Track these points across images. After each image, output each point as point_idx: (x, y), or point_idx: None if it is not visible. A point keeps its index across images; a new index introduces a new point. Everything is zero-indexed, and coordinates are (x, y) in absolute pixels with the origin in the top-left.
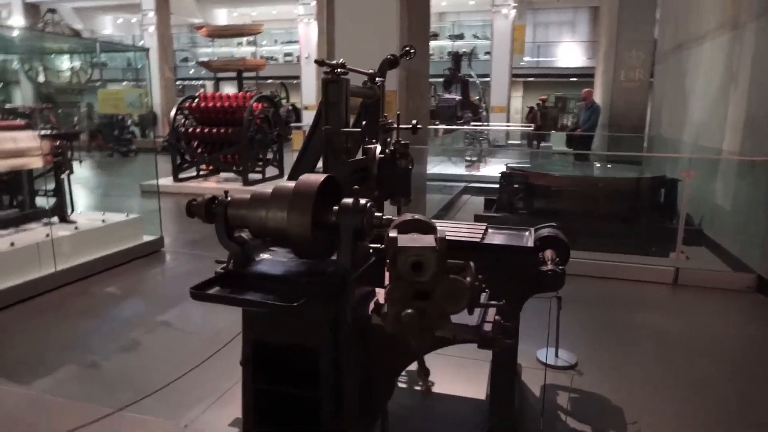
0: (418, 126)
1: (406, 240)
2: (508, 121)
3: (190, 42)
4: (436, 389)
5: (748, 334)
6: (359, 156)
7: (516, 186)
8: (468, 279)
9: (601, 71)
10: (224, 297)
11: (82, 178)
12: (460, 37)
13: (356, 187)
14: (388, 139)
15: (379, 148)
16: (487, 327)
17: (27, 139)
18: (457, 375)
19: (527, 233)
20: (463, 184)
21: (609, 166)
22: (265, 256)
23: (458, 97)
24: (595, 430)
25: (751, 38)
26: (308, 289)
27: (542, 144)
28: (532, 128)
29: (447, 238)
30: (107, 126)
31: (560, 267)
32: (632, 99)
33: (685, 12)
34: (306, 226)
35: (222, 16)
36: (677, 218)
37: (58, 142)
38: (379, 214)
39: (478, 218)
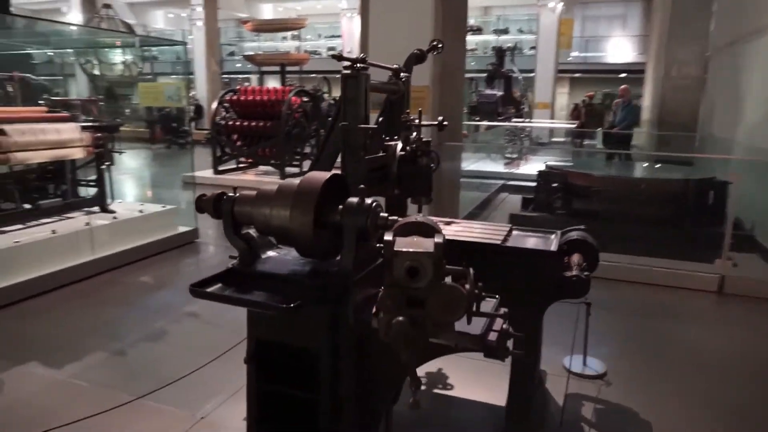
0: (445, 123)
1: (404, 243)
2: (552, 117)
3: (236, 36)
4: (454, 392)
5: None
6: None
7: (554, 185)
8: (467, 287)
9: (652, 67)
10: (220, 296)
11: (132, 168)
12: (505, 31)
13: (361, 186)
14: (412, 136)
15: (400, 146)
16: (494, 336)
17: (70, 130)
18: (478, 379)
19: (553, 236)
20: (501, 182)
21: (657, 166)
22: (272, 254)
23: (499, 93)
24: None
25: None
26: (307, 291)
27: (585, 142)
28: (575, 125)
29: (465, 239)
30: (165, 118)
31: (585, 273)
32: (684, 96)
33: (742, 4)
34: (308, 225)
35: (268, 11)
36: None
37: (99, 134)
38: (385, 214)
39: (513, 217)
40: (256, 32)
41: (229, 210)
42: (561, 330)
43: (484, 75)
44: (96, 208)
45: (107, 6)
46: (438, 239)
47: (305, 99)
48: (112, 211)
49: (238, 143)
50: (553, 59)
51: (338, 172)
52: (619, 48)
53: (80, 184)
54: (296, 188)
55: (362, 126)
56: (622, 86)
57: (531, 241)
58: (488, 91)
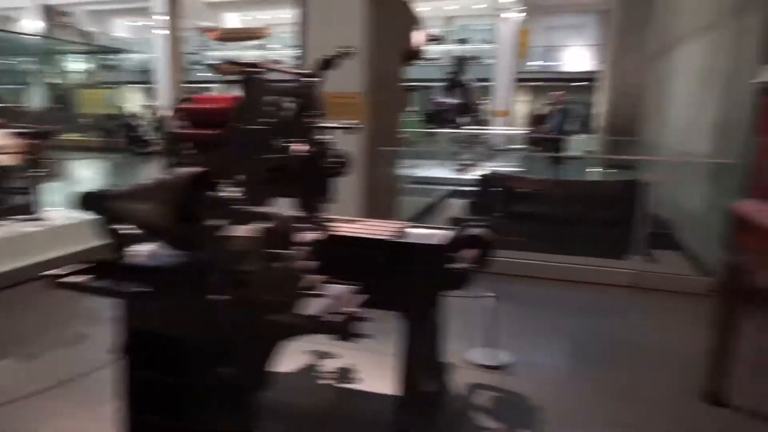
0: (358, 126)
1: (237, 229)
2: (512, 125)
3: (201, 45)
4: (360, 386)
5: (690, 338)
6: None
7: (493, 189)
8: (295, 268)
9: (606, 75)
10: (85, 286)
11: (83, 177)
12: (467, 41)
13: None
14: (318, 139)
15: (302, 147)
16: (339, 318)
17: (1, 136)
18: (386, 372)
19: (448, 232)
20: (450, 188)
21: (611, 171)
22: (146, 247)
23: (454, 101)
24: (509, 430)
25: (725, 40)
26: (174, 281)
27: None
28: (528, 132)
29: (356, 235)
30: (124, 127)
31: (471, 266)
32: (630, 103)
33: (669, 13)
34: (168, 218)
35: (233, 20)
36: (651, 221)
37: (33, 141)
38: (252, 208)
39: (451, 221)
40: (221, 41)
41: (100, 205)
42: (476, 325)
43: (444, 83)
44: (28, 215)
45: (64, 14)
46: (271, 225)
47: None
48: (42, 219)
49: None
50: (511, 68)
51: (204, 168)
52: (578, 57)
53: (11, 191)
54: (159, 182)
55: (256, 127)
56: (556, 92)
57: (424, 236)
58: (441, 99)
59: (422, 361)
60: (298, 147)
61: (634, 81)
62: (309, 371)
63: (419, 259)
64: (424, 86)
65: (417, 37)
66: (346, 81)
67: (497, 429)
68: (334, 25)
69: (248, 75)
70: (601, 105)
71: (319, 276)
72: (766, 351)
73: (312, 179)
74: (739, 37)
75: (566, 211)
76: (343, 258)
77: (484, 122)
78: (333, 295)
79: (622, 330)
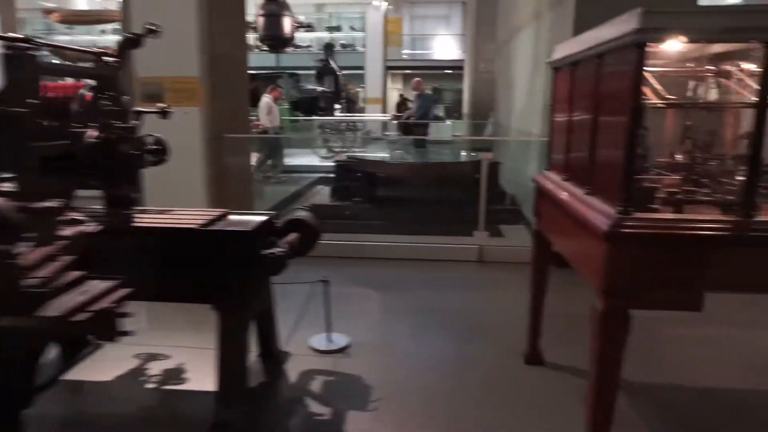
0: (167, 110)
1: None
2: (384, 112)
3: (46, 28)
4: (186, 386)
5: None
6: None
7: (351, 174)
8: (14, 264)
9: (468, 63)
10: None
11: None
12: (338, 29)
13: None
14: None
15: (91, 133)
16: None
17: None
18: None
19: (263, 218)
20: (319, 175)
21: (473, 154)
22: None
23: (320, 89)
24: (336, 412)
25: (545, 28)
26: None
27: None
28: (390, 118)
29: (161, 226)
30: None
31: (282, 250)
32: (486, 88)
33: (511, 4)
34: None
35: (83, 2)
36: (502, 198)
37: None
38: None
39: (311, 207)
40: (66, 24)
41: None
42: (318, 311)
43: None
44: None
45: None
46: None
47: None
48: None
49: None
50: (381, 56)
51: None
52: (445, 46)
53: None
54: None
55: (25, 110)
56: (415, 79)
57: (235, 223)
58: (309, 87)
59: (239, 352)
60: (88, 133)
61: (489, 68)
62: (134, 377)
63: (227, 248)
64: (293, 74)
65: (285, 25)
66: (185, 65)
67: (324, 413)
68: (166, 7)
69: (16, 51)
70: (465, 92)
71: (77, 272)
72: (573, 311)
73: (114, 168)
74: (555, 25)
75: (421, 192)
76: (143, 251)
77: (359, 110)
78: (90, 292)
79: (462, 303)
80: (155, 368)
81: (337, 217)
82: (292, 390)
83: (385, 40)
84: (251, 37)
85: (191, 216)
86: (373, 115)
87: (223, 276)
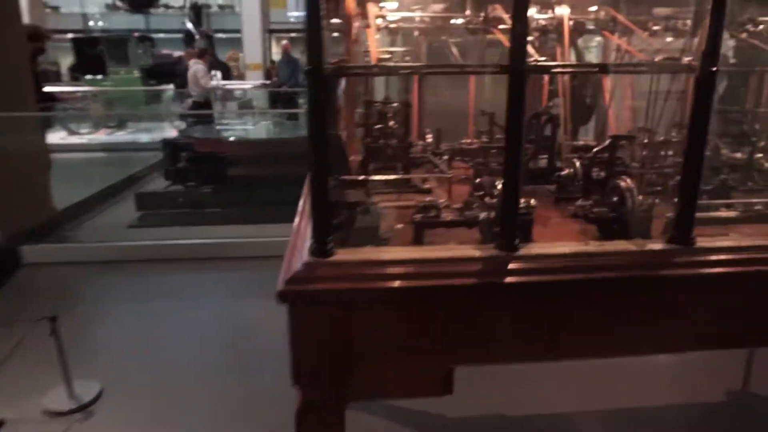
0: None
1: None
2: (268, 79)
3: None
4: None
5: None
6: None
7: (184, 155)
8: None
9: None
10: None
11: None
12: None
13: None
14: None
15: None
16: None
17: None
18: None
19: None
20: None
21: None
22: None
23: (178, 54)
24: None
25: None
26: None
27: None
28: (259, 85)
29: None
30: None
31: None
32: None
33: None
34: None
35: None
36: None
37: None
38: None
39: (140, 197)
40: None
41: None
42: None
43: (180, 35)
44: None
45: None
46: None
47: None
48: None
49: None
50: (259, 18)
51: None
52: None
53: None
54: None
55: None
56: (283, 41)
57: None
58: (165, 52)
59: None
60: None
61: None
62: None
63: None
64: (144, 37)
65: None
66: None
67: None
68: None
69: None
70: None
71: None
72: None
73: None
74: None
75: (273, 172)
76: None
77: (239, 77)
78: None
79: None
80: None
81: (170, 206)
82: None
83: (264, 0)
84: None
85: None
86: (240, 83)
87: None
